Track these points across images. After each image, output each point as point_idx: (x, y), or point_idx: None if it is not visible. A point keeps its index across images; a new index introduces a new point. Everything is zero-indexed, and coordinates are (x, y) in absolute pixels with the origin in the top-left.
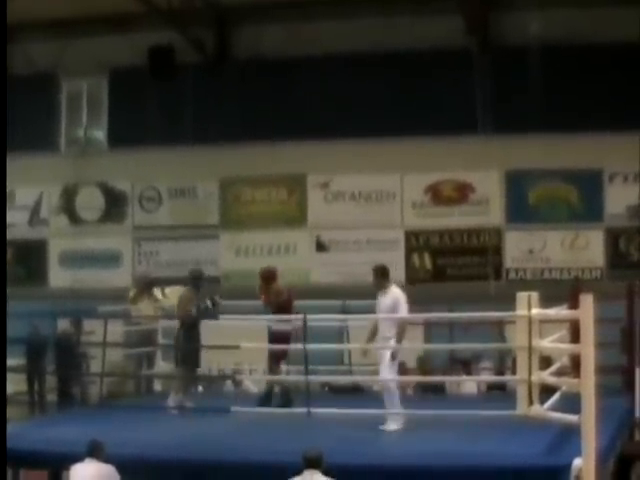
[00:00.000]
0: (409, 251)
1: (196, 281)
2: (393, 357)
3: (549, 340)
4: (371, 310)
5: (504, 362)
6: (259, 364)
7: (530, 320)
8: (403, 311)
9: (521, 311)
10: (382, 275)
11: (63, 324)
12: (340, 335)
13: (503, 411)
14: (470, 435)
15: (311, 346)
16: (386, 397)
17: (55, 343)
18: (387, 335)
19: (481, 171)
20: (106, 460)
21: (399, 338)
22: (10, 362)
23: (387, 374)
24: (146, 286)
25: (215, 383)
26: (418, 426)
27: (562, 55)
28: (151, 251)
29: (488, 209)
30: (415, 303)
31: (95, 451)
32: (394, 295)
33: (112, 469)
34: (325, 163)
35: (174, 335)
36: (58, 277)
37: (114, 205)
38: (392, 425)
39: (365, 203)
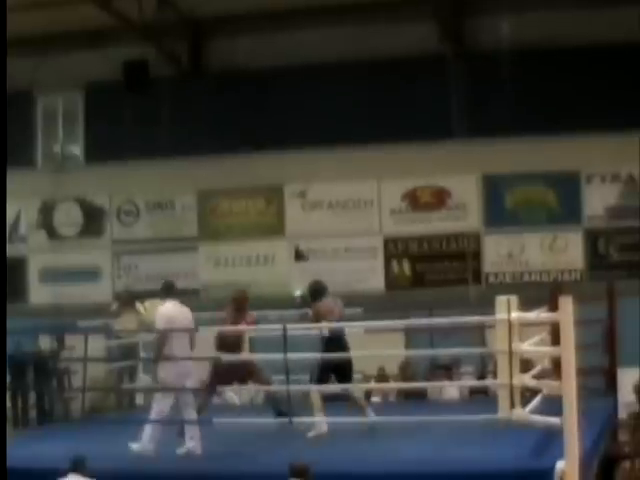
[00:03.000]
0: (388, 258)
1: (168, 292)
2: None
3: (530, 343)
4: (354, 319)
5: (486, 366)
6: None
7: (510, 324)
8: (157, 325)
9: (500, 315)
10: (164, 290)
11: (44, 340)
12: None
13: (485, 415)
14: (453, 440)
15: (292, 355)
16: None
17: (36, 360)
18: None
19: (458, 176)
20: (90, 475)
21: (154, 355)
22: None
23: (157, 397)
24: (128, 300)
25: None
26: (401, 433)
27: (536, 59)
28: (130, 265)
29: (466, 214)
30: (395, 309)
31: (78, 466)
32: (158, 311)
33: None
34: (301, 172)
35: None
36: (38, 293)
37: (92, 220)
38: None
39: (343, 211)
